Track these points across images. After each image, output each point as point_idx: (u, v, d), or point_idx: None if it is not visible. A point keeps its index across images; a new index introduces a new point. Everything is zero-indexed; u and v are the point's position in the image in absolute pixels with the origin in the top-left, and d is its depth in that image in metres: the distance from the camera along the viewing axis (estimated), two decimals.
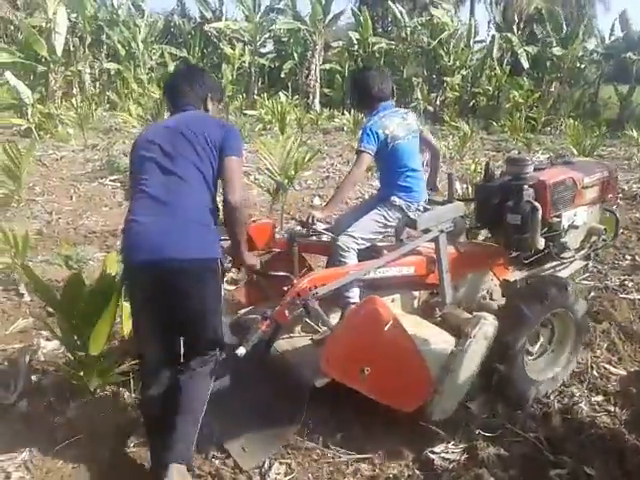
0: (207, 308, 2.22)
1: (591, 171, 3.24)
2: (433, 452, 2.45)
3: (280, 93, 15.88)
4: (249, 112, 14.48)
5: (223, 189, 2.21)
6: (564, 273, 3.33)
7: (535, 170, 3.08)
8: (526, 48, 17.48)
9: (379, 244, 3.18)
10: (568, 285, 2.79)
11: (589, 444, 2.49)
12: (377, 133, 2.96)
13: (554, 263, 3.25)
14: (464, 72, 17.71)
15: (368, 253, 2.95)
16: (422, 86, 18.13)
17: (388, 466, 2.39)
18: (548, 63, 17.03)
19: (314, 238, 3.09)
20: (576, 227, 3.14)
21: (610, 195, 3.40)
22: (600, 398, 2.92)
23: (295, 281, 2.48)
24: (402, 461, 2.42)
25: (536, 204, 2.86)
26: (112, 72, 17.51)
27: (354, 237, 2.88)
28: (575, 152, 8.98)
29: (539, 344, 2.93)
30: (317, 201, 7.09)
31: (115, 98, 15.37)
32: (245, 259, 2.44)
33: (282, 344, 2.65)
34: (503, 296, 3.09)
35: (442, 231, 2.78)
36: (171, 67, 17.47)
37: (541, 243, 2.94)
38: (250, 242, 2.66)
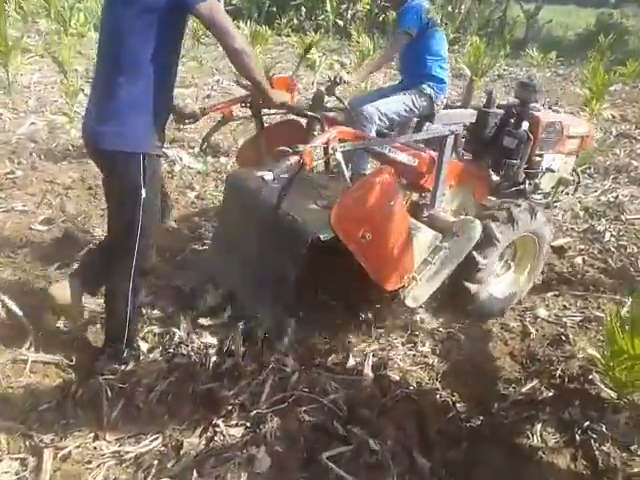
0: (120, 201, 2.20)
1: (576, 124, 3.40)
2: (217, 426, 2.13)
3: None
4: None
5: (218, 40, 2.05)
6: None
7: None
8: None
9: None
10: (538, 212, 2.92)
11: (391, 407, 2.25)
12: (421, 16, 2.97)
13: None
14: None
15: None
16: None
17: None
18: None
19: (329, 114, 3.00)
20: (552, 171, 3.28)
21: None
22: (425, 349, 2.71)
23: (327, 126, 2.42)
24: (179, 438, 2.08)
25: (530, 135, 3.01)
26: None
27: (380, 112, 2.93)
28: (468, 72, 8.64)
29: (502, 263, 3.09)
30: None
31: None
32: (272, 97, 2.35)
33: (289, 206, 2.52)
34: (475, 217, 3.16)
35: (452, 132, 2.72)
36: None
37: (522, 176, 3.13)
38: None
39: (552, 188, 3.44)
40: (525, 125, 3.00)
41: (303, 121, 2.88)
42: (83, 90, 6.14)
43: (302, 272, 2.40)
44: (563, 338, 2.85)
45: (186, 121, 2.70)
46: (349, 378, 2.42)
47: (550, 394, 2.42)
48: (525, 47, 13.70)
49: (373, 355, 2.57)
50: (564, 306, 3.21)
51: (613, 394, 2.32)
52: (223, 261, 2.92)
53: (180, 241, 3.47)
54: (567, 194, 3.66)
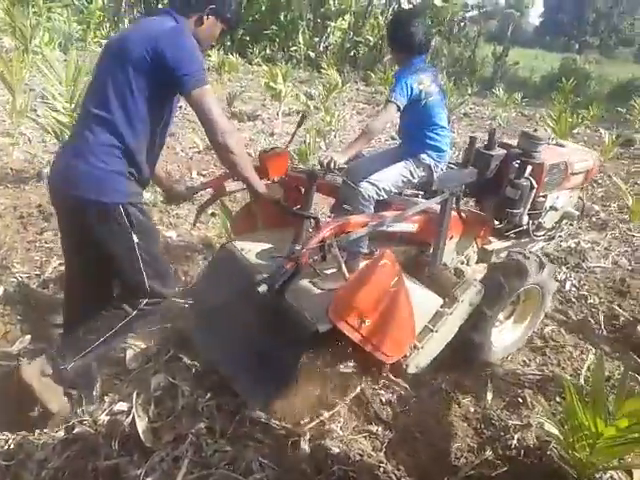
0: (112, 254, 2.08)
1: (581, 159, 3.32)
2: None
3: None
4: None
5: (202, 126, 2.00)
6: (531, 249, 3.38)
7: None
8: None
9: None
10: (545, 265, 2.87)
11: None
12: (412, 87, 2.82)
13: (526, 239, 3.32)
14: (347, 18, 16.84)
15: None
16: (305, 30, 17.07)
17: None
18: (429, 14, 16.57)
19: (327, 177, 2.92)
20: (556, 209, 3.26)
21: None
22: (370, 414, 2.44)
23: (321, 224, 2.33)
24: None
25: (534, 182, 2.99)
26: None
27: (377, 187, 2.81)
28: None
29: (504, 312, 3.01)
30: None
31: None
32: (261, 193, 2.29)
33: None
34: (477, 263, 3.16)
35: (452, 194, 2.70)
36: None
37: (526, 219, 3.10)
38: (264, 171, 2.55)
39: (556, 223, 3.42)
40: (529, 169, 2.98)
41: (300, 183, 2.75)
42: (36, 111, 5.85)
43: (298, 363, 2.26)
44: (520, 400, 2.64)
45: (174, 202, 2.69)
46: (280, 450, 2.13)
47: (504, 469, 2.19)
48: (492, 87, 13.94)
49: (310, 421, 2.29)
50: (523, 362, 3.01)
51: (573, 472, 2.09)
52: (203, 330, 2.68)
53: None
54: (571, 225, 3.62)
